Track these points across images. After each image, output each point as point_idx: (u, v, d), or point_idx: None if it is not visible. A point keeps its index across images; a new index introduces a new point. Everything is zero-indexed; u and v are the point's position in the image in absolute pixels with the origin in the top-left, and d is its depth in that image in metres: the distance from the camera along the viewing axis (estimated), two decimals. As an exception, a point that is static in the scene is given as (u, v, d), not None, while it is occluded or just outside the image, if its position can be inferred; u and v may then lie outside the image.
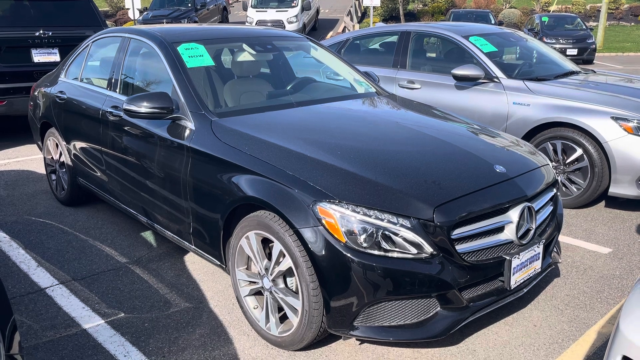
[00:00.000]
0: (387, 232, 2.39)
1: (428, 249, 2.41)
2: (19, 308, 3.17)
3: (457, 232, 2.47)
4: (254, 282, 2.84)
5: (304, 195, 2.49)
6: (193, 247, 3.25)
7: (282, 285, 2.68)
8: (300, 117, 3.28)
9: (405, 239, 2.39)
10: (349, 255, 2.36)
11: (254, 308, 2.88)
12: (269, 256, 2.73)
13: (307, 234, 2.44)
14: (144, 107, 3.17)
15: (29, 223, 4.46)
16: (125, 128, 3.65)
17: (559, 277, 3.49)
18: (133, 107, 3.19)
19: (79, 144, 4.30)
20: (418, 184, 2.53)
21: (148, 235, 4.19)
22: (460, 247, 2.48)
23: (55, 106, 4.62)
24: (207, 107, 3.24)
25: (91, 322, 3.02)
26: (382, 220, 2.39)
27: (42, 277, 3.55)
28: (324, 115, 3.36)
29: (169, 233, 3.45)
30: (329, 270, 2.40)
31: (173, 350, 2.76)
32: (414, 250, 2.40)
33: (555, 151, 4.72)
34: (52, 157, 4.90)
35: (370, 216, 2.39)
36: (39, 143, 5.19)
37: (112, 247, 3.98)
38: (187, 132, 3.16)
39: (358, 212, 2.39)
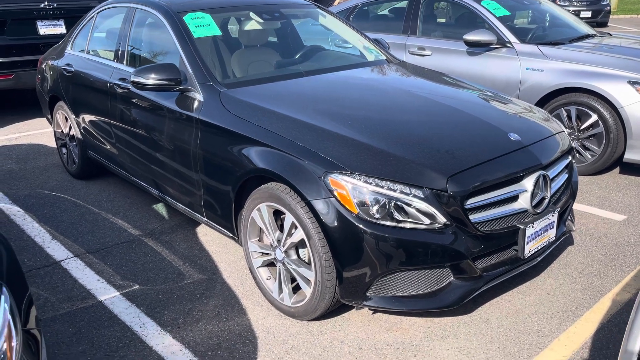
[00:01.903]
0: (399, 203, 2.36)
1: (441, 219, 2.39)
2: (35, 281, 3.21)
3: (471, 202, 2.44)
4: (267, 254, 2.85)
5: (315, 166, 2.46)
6: (205, 219, 3.25)
7: (294, 257, 2.68)
8: (309, 87, 3.23)
9: (418, 210, 2.37)
10: (361, 226, 2.35)
11: (267, 279, 2.89)
12: (281, 228, 2.73)
13: (319, 205, 2.42)
14: (151, 79, 3.14)
15: (41, 197, 4.48)
16: (134, 100, 3.62)
17: (573, 244, 3.46)
18: (140, 80, 3.15)
19: (88, 117, 4.28)
20: (431, 154, 2.50)
21: (160, 208, 4.21)
22: (473, 217, 2.45)
23: (63, 79, 4.59)
24: (215, 78, 3.19)
25: (106, 294, 3.06)
26: (394, 191, 2.37)
27: (56, 250, 3.59)
28: (333, 85, 3.31)
29: (181, 205, 3.45)
30: (342, 242, 2.40)
31: (187, 321, 2.79)
32: (427, 221, 2.38)
33: (569, 117, 4.64)
34: (61, 131, 4.90)
35: (382, 187, 2.37)
36: (48, 117, 5.18)
37: (124, 220, 4.00)
38: (196, 104, 3.13)
39: (370, 183, 2.37)
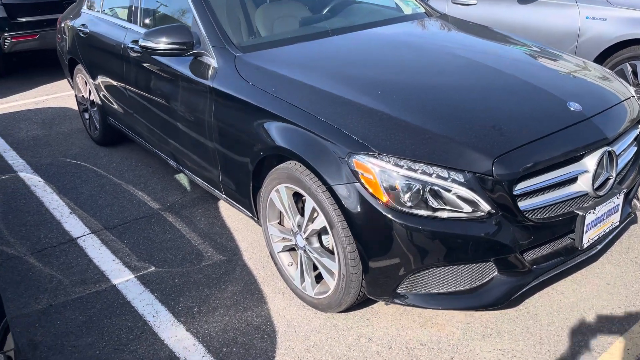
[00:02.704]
0: (435, 189, 2.03)
1: (485, 207, 2.04)
2: (49, 260, 3.06)
3: (521, 187, 2.08)
4: (287, 239, 2.58)
5: (337, 146, 2.14)
6: (224, 195, 3.00)
7: (316, 245, 2.41)
8: (336, 49, 2.86)
9: (457, 196, 2.03)
10: (390, 216, 2.03)
11: (289, 265, 2.64)
12: (302, 211, 2.44)
13: (342, 191, 2.11)
14: (161, 44, 2.83)
15: (63, 165, 4.33)
16: (148, 65, 3.34)
17: (638, 224, 3.05)
18: (149, 44, 2.85)
19: (105, 82, 4.04)
20: (474, 130, 2.13)
21: (182, 178, 3.99)
22: (523, 204, 2.09)
23: (80, 41, 4.34)
24: (230, 40, 2.86)
25: (121, 276, 2.88)
26: (429, 175, 2.02)
27: (74, 225, 3.43)
28: (363, 45, 2.92)
29: (199, 180, 3.20)
30: (368, 233, 2.09)
31: (203, 311, 2.58)
32: (468, 209, 2.04)
33: (634, 73, 4.09)
34: (82, 95, 4.69)
35: (415, 170, 2.03)
36: (69, 80, 4.98)
37: (145, 192, 3.80)
38: (210, 70, 2.82)
39: (401, 166, 2.03)
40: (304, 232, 2.41)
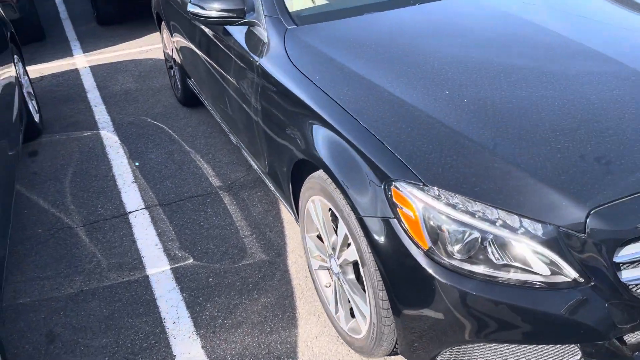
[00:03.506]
0: (500, 242, 1.47)
1: (570, 273, 1.45)
2: (97, 236, 2.94)
3: (627, 253, 1.44)
4: (323, 259, 2.16)
5: (374, 165, 1.64)
6: (272, 188, 2.63)
7: (351, 276, 1.97)
8: (412, 25, 2.27)
9: (532, 255, 1.46)
10: (431, 271, 1.52)
11: (326, 286, 2.23)
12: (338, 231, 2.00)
13: (374, 225, 1.63)
14: (209, 10, 2.45)
15: (143, 125, 4.23)
16: (206, 29, 2.99)
17: None
18: (197, 10, 2.48)
19: (180, 42, 3.78)
20: (565, 161, 1.51)
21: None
22: (628, 276, 1.46)
23: (162, -5, 4.11)
24: (284, 8, 2.39)
25: (157, 266, 2.67)
26: (493, 222, 1.47)
27: (132, 197, 3.29)
28: (451, 21, 2.29)
29: (253, 163, 2.86)
30: (402, 285, 1.61)
31: (226, 325, 2.28)
32: (545, 272, 1.47)
33: None
34: (168, 52, 4.52)
35: (473, 214, 1.48)
36: (160, 34, 4.83)
37: (210, 165, 3.56)
38: (260, 44, 2.39)
39: (454, 206, 1.50)
40: (338, 258, 1.97)
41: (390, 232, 1.59)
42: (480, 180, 1.51)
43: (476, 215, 1.48)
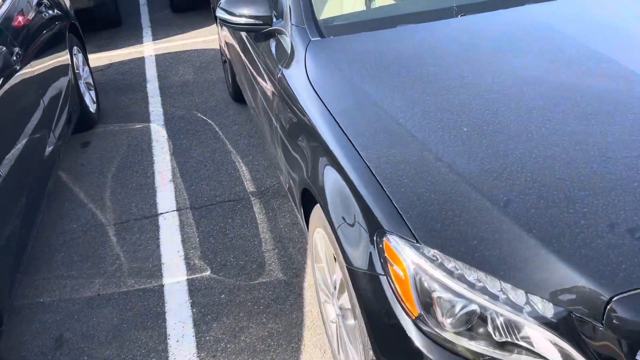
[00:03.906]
0: (501, 321, 1.25)
1: (582, 363, 1.21)
2: (125, 236, 2.95)
3: (656, 352, 1.18)
4: (327, 295, 2.00)
5: (368, 210, 1.45)
6: (292, 203, 2.49)
7: (350, 322, 1.79)
8: (448, 42, 2.01)
9: (538, 338, 1.23)
10: (418, 344, 1.32)
11: (332, 321, 2.07)
12: (341, 270, 1.82)
13: (363, 280, 1.45)
14: (233, 16, 2.33)
15: (192, 120, 4.21)
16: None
17: None
18: (224, 15, 2.36)
19: (227, 37, 3.70)
20: (589, 231, 1.24)
21: (290, 157, 3.55)
22: (657, 377, 1.20)
23: (216, -11, 4.03)
24: (312, 16, 2.21)
25: (174, 275, 2.63)
26: (494, 297, 1.24)
27: (165, 197, 3.27)
28: (499, 38, 2.01)
29: (280, 175, 2.73)
30: (390, 352, 1.42)
31: (228, 349, 2.19)
32: (554, 355, 1.23)
33: None
34: (222, 45, 4.46)
35: (472, 285, 1.26)
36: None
37: (248, 167, 3.47)
38: (285, 55, 2.24)
39: (450, 272, 1.28)
40: (337, 299, 1.81)
41: (379, 291, 1.40)
42: (483, 245, 1.28)
43: (475, 287, 1.26)
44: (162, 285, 2.58)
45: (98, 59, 5.75)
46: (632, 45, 1.83)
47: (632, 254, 1.19)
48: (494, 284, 1.25)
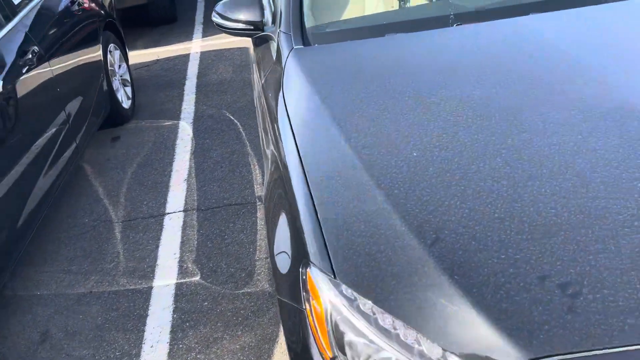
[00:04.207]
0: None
1: None
2: (129, 235, 2.99)
3: None
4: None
5: (299, 238, 1.36)
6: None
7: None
8: (441, 53, 1.86)
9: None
10: (328, 389, 1.22)
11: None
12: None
13: (287, 313, 1.36)
14: (230, 21, 2.28)
15: (220, 120, 4.23)
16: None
17: None
18: (218, 19, 2.33)
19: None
20: (516, 282, 1.09)
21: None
22: None
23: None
24: (299, 22, 2.13)
25: (165, 278, 2.63)
26: (409, 349, 1.12)
27: (176, 197, 3.30)
28: (495, 53, 1.83)
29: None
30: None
31: (197, 360, 2.16)
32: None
33: None
34: (254, 46, 4.45)
35: (387, 332, 1.14)
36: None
37: (261, 171, 3.44)
38: (271, 62, 2.18)
39: (365, 315, 1.17)
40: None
41: (299, 326, 1.31)
42: (401, 287, 1.16)
43: (391, 334, 1.14)
44: (151, 287, 2.59)
45: (147, 54, 5.90)
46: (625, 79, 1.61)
47: (559, 313, 1.03)
48: (409, 334, 1.13)
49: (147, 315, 2.43)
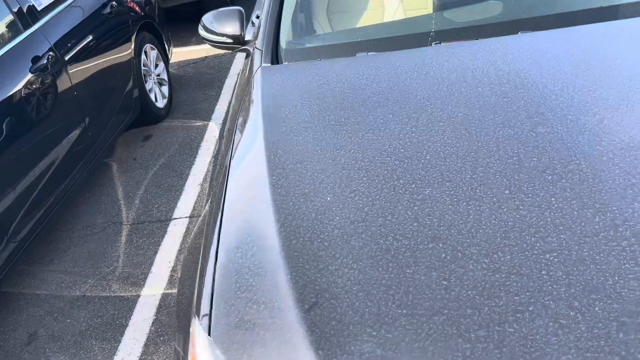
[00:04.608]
0: None
1: None
2: (134, 238, 3.05)
3: None
4: None
5: (199, 288, 1.28)
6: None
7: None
8: (407, 76, 1.69)
9: None
10: None
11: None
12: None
13: (175, 356, 1.29)
14: (212, 34, 2.23)
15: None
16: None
17: None
18: (203, 32, 2.29)
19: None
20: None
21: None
22: None
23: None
24: (272, 37, 2.03)
25: (153, 287, 2.65)
26: None
27: (186, 202, 3.31)
28: (465, 80, 1.64)
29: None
30: None
31: (160, 378, 2.15)
32: None
33: None
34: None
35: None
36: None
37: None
38: (242, 79, 2.10)
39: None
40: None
41: (183, 379, 1.23)
42: (267, 355, 1.05)
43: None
44: (139, 296, 2.61)
45: (197, 51, 5.99)
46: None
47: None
48: (269, 409, 1.02)
49: (127, 325, 2.45)
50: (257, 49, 2.04)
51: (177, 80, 5.23)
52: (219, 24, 2.20)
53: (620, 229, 1.03)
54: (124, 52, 3.87)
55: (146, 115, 4.23)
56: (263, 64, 1.95)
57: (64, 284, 2.79)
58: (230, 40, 2.17)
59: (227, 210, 1.38)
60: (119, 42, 3.84)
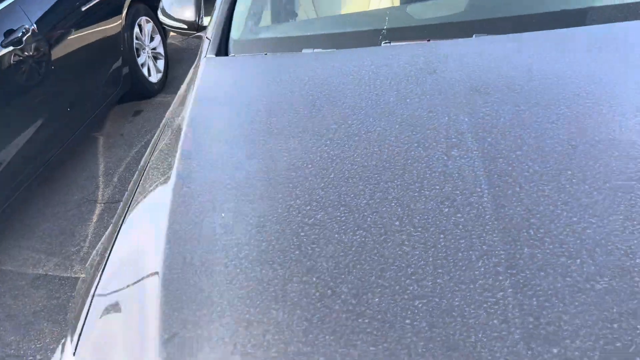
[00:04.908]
0: None
1: None
2: (104, 217, 3.03)
3: None
4: None
5: (78, 310, 1.24)
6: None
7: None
8: (349, 78, 1.59)
9: None
10: None
11: None
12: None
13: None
14: (169, 19, 2.15)
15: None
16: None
17: None
18: (161, 16, 2.20)
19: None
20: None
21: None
22: None
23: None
24: (222, 27, 1.93)
25: (114, 271, 2.63)
26: None
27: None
28: (412, 84, 1.53)
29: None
30: None
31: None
32: None
33: None
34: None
35: None
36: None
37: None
38: (193, 68, 2.02)
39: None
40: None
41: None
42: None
43: None
44: (97, 279, 2.60)
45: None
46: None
47: None
48: None
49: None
50: (207, 38, 1.95)
51: (178, 53, 5.16)
52: (179, 7, 2.11)
53: (500, 278, 0.93)
54: (112, 25, 3.81)
55: (139, 90, 4.19)
56: (207, 55, 1.86)
57: (30, 261, 2.80)
58: (185, 27, 2.08)
59: (125, 224, 1.33)
60: (108, 15, 3.78)
